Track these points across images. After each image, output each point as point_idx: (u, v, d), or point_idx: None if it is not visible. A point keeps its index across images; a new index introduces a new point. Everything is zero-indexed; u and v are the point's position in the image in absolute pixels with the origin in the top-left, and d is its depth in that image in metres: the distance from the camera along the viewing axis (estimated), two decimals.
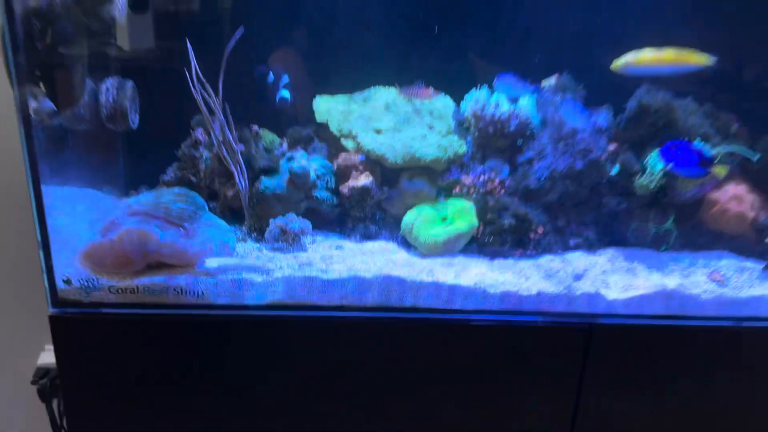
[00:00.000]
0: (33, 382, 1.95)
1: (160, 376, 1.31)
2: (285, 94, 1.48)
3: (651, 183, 1.37)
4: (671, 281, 1.36)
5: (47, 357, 2.02)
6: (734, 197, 1.41)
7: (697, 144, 1.37)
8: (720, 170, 1.35)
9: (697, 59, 1.38)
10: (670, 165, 1.35)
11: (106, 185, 1.51)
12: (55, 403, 1.94)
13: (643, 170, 1.39)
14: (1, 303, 1.97)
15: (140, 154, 1.53)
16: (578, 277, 1.37)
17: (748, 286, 1.37)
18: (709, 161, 1.34)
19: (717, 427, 1.39)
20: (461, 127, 1.51)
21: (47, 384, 1.96)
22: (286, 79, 1.50)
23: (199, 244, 1.30)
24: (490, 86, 1.50)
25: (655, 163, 1.37)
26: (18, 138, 1.19)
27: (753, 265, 1.42)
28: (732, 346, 1.34)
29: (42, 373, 1.98)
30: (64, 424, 1.97)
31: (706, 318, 1.33)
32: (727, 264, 1.43)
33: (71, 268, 1.27)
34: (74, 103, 1.30)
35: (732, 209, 1.41)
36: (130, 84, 1.42)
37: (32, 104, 1.19)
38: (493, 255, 1.42)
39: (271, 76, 1.52)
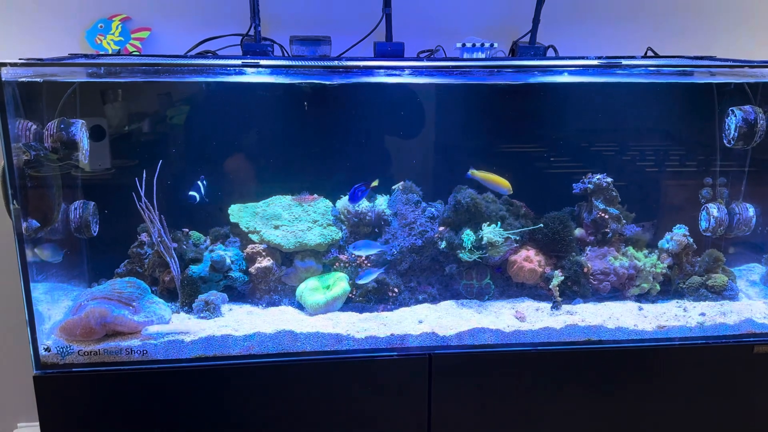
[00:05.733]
0: None
1: (117, 416, 1.78)
2: (193, 195, 2.04)
3: (471, 256, 1.96)
4: (486, 320, 1.92)
5: None
6: (525, 258, 2.01)
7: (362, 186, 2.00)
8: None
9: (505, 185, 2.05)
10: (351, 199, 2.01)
11: (74, 279, 2.01)
12: None
13: (461, 244, 1.97)
14: None
15: (100, 254, 2.05)
16: (420, 321, 1.92)
17: (540, 320, 1.94)
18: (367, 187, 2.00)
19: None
20: (338, 220, 2.08)
21: None
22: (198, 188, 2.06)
23: (143, 317, 1.81)
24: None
25: (467, 239, 1.96)
26: (13, 248, 1.70)
27: (544, 305, 2.00)
28: (530, 366, 1.89)
29: None
30: None
31: (510, 345, 1.89)
32: (527, 305, 2.01)
33: (50, 340, 1.76)
34: (52, 220, 1.82)
35: (525, 266, 2.00)
36: (91, 204, 1.97)
37: (23, 224, 1.70)
38: (361, 310, 1.97)
39: (196, 198, 2.06)
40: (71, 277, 2.00)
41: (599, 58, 2.07)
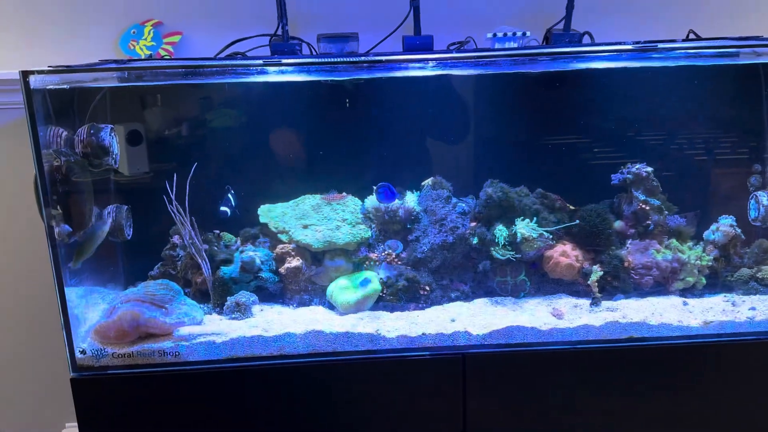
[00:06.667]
0: None
1: (152, 417, 1.79)
2: (225, 210, 2.05)
3: (504, 254, 1.90)
4: (522, 318, 1.86)
5: None
6: (562, 253, 1.94)
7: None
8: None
9: None
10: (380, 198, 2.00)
11: (109, 282, 2.05)
12: None
13: (494, 240, 1.91)
14: (28, 392, 2.45)
15: (135, 257, 2.08)
16: (453, 320, 1.87)
17: (578, 317, 1.87)
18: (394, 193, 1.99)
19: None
20: (367, 218, 2.05)
21: None
22: (229, 201, 2.07)
23: (175, 318, 1.82)
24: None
25: (500, 234, 1.91)
26: (46, 253, 1.73)
27: (583, 302, 1.93)
28: (569, 365, 1.82)
29: None
30: None
31: (547, 344, 1.82)
32: (565, 302, 1.94)
33: (86, 342, 1.79)
34: (85, 224, 1.85)
35: (562, 261, 1.93)
36: (125, 207, 1.99)
37: (56, 229, 1.74)
38: (392, 309, 1.93)
39: (227, 212, 2.08)
40: (107, 280, 2.04)
41: (637, 43, 1.98)
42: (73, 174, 1.77)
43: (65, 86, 1.75)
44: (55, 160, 1.70)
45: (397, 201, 2.03)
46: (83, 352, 1.77)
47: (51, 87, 1.68)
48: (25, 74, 1.58)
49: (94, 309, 1.93)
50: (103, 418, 1.79)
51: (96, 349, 1.77)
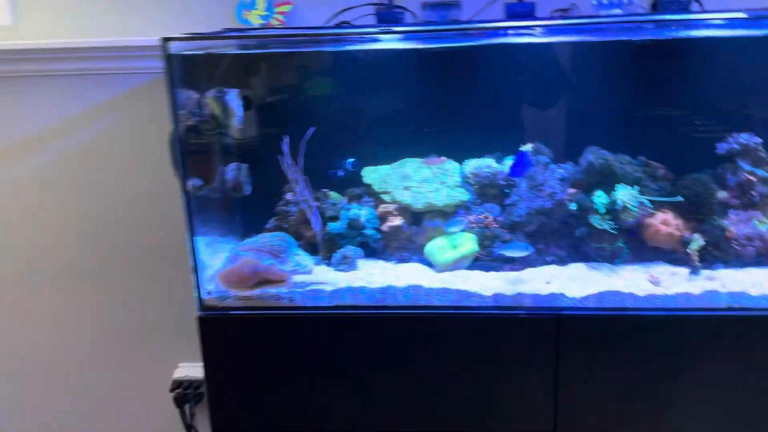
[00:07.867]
0: (171, 391, 2.68)
1: (266, 354, 1.99)
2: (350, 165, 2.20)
3: (602, 223, 1.94)
4: (618, 283, 1.90)
5: (180, 372, 2.75)
6: (663, 221, 1.94)
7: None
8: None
9: None
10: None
11: (230, 234, 2.25)
12: (186, 408, 2.67)
13: (593, 207, 1.95)
14: (149, 333, 2.72)
15: (252, 212, 2.27)
16: (548, 282, 1.93)
17: (676, 285, 1.88)
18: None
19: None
20: (465, 181, 2.14)
21: (181, 393, 2.68)
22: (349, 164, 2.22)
23: (289, 267, 1.99)
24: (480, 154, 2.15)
25: (599, 201, 1.94)
26: (180, 207, 1.94)
27: (682, 270, 1.94)
28: (664, 331, 1.85)
29: (177, 384, 2.70)
30: (194, 423, 2.68)
31: (643, 309, 1.85)
32: (662, 269, 1.95)
33: (211, 285, 2.00)
34: (212, 180, 2.05)
35: (662, 230, 1.94)
36: (245, 166, 2.17)
37: (189, 183, 1.94)
38: (488, 269, 2.02)
39: (340, 172, 2.22)
40: (228, 232, 2.24)
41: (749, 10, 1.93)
42: (202, 134, 1.96)
43: (200, 52, 1.93)
44: (188, 120, 1.89)
45: (494, 165, 2.10)
46: (209, 293, 1.97)
47: (184, 53, 1.85)
48: (166, 40, 1.76)
49: (215, 257, 2.14)
50: (223, 353, 2.00)
51: (220, 291, 1.97)
